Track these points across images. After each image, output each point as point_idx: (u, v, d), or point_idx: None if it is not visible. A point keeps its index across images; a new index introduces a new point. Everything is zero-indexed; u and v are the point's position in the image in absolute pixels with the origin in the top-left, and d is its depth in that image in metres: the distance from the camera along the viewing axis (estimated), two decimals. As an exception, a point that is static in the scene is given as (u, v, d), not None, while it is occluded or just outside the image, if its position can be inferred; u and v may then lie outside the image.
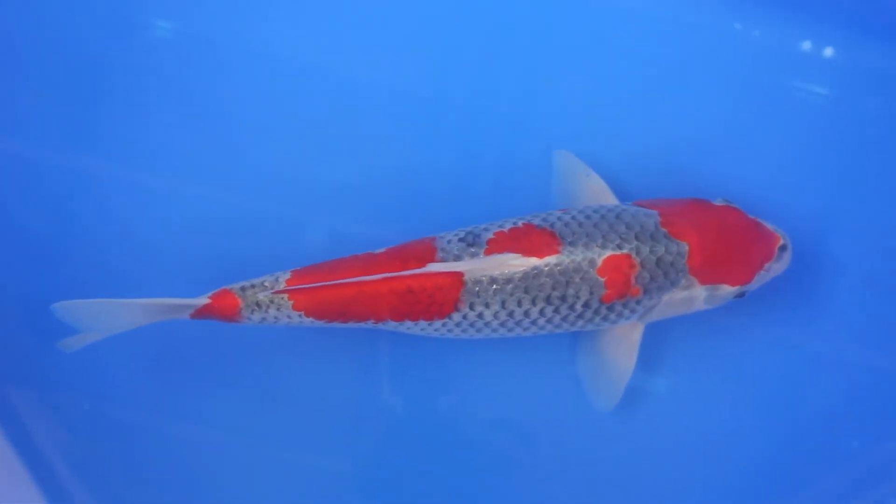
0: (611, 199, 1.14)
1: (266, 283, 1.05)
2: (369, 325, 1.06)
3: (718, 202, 1.11)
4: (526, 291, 1.03)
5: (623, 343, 1.11)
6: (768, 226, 1.11)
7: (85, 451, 1.22)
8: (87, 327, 1.03)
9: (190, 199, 1.21)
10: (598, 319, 1.06)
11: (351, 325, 1.06)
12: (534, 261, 1.02)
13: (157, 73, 1.21)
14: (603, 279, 1.03)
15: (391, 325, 1.06)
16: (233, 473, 1.22)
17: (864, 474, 1.20)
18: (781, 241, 1.10)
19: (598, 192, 1.14)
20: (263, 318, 1.05)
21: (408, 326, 1.06)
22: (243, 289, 1.04)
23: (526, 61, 1.22)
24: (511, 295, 1.03)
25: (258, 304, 1.04)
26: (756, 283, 1.10)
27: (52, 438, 1.21)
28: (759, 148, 1.21)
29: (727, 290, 1.08)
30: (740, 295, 1.10)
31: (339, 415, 1.21)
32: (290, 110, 1.21)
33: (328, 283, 1.03)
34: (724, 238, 1.08)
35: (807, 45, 1.21)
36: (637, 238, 1.04)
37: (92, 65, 1.21)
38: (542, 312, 1.04)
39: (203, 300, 1.03)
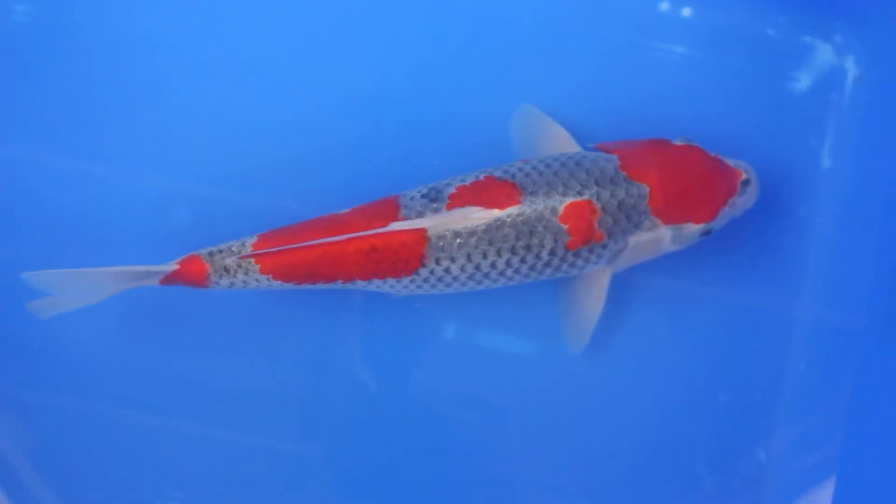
0: (574, 148, 1.14)
1: (233, 248, 1.05)
2: (338, 285, 1.07)
3: (679, 141, 1.10)
4: (490, 243, 1.03)
5: (593, 289, 1.12)
6: (730, 162, 1.11)
7: (41, 442, 1.20)
8: (60, 297, 1.03)
9: (69, 178, 1.19)
10: (565, 266, 1.07)
11: (320, 286, 1.06)
12: (496, 212, 1.03)
13: (16, 57, 1.20)
14: (566, 226, 1.03)
15: (360, 285, 1.07)
16: (198, 461, 1.20)
17: (731, 429, 1.23)
18: (744, 176, 1.11)
19: (562, 141, 1.15)
20: (232, 283, 1.05)
21: (377, 285, 1.07)
22: (211, 254, 1.05)
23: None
24: (476, 248, 1.03)
25: (226, 269, 1.04)
26: (721, 219, 1.10)
27: (9, 432, 1.20)
28: (619, 109, 1.21)
29: (693, 228, 1.09)
30: (706, 233, 1.10)
31: (307, 395, 1.20)
32: (164, 92, 1.20)
33: (294, 245, 1.03)
34: (685, 177, 1.08)
35: (665, 6, 1.22)
36: (597, 183, 1.04)
37: None
38: (508, 263, 1.05)
39: (172, 266, 1.04)
